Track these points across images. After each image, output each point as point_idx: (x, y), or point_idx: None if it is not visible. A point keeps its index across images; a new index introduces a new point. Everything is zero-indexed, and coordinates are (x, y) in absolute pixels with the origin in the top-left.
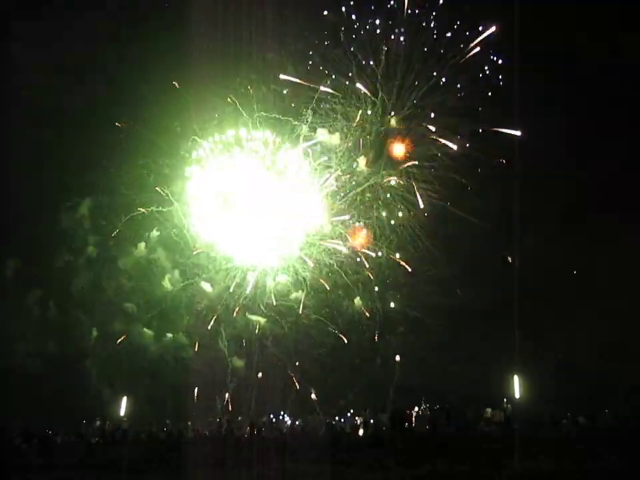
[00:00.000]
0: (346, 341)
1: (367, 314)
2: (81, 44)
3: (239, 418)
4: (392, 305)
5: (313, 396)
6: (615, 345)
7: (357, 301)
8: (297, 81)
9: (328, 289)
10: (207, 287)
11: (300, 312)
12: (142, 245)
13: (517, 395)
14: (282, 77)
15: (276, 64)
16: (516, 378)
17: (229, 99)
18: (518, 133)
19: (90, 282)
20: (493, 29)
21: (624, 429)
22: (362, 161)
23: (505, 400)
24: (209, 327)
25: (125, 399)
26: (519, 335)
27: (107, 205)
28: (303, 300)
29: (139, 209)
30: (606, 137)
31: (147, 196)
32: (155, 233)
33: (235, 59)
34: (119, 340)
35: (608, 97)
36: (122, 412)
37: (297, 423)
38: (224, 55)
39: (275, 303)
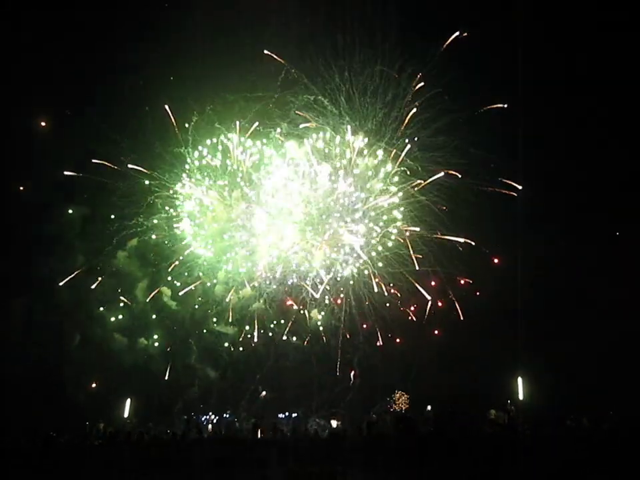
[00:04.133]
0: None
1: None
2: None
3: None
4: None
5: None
6: (619, 346)
7: (315, 314)
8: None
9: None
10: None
11: (264, 325)
12: (122, 254)
13: (521, 397)
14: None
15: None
16: (519, 379)
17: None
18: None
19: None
20: None
21: (628, 430)
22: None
23: (508, 401)
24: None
25: (128, 401)
26: (523, 335)
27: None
28: (264, 314)
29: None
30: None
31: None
32: (134, 242)
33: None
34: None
35: None
36: (125, 414)
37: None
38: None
39: (237, 317)
